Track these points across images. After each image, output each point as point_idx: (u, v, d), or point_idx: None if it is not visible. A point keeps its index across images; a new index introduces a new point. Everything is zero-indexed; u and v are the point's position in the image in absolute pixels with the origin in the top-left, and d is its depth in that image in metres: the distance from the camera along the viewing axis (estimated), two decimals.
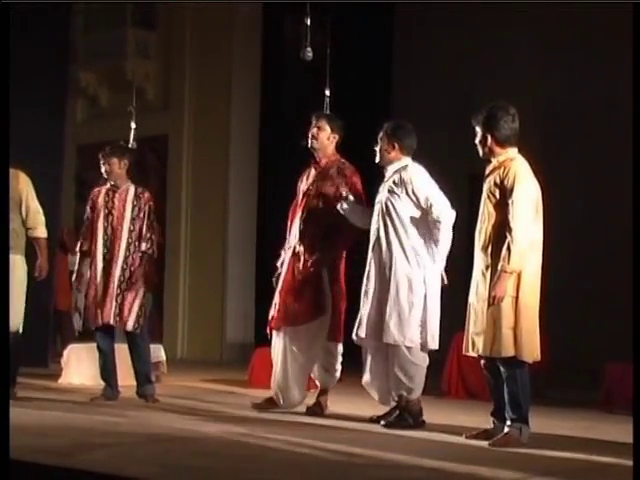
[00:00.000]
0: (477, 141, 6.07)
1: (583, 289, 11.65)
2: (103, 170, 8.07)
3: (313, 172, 7.43)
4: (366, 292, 6.80)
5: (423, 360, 6.70)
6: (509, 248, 5.72)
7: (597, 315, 11.45)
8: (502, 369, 5.85)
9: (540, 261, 5.90)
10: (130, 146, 9.51)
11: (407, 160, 6.87)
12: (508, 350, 5.78)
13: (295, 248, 7.26)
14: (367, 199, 7.25)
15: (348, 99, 10.80)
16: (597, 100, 11.83)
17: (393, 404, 6.76)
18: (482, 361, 6.03)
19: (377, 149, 6.93)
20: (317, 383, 7.51)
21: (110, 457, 5.18)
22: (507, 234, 5.75)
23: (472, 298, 5.99)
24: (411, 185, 6.68)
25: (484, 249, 5.91)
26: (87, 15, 15.05)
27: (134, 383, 8.12)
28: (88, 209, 8.10)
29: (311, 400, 7.42)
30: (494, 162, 6.00)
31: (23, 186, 7.95)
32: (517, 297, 5.78)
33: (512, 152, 6.00)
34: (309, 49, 8.34)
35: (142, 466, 4.86)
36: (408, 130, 6.93)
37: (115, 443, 5.70)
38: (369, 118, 13.53)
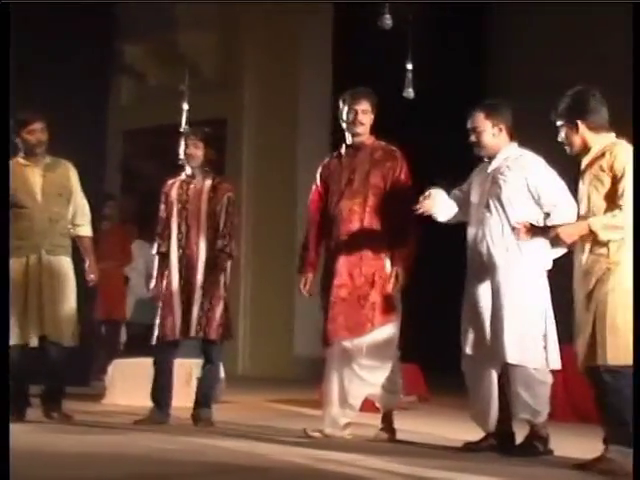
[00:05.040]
0: (562, 137, 6.05)
1: None
2: (187, 153, 7.97)
3: (348, 158, 7.27)
4: (474, 305, 6.60)
5: (549, 377, 6.55)
6: (611, 216, 5.71)
7: None
8: (605, 380, 5.74)
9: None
10: (182, 130, 9.56)
11: (517, 147, 6.70)
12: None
13: (350, 250, 7.14)
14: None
15: (431, 74, 10.71)
16: None
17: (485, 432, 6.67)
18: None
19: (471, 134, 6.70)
20: (378, 405, 7.35)
21: None
22: (616, 209, 5.72)
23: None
24: (533, 181, 6.51)
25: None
26: None
27: (185, 404, 8.13)
28: (162, 205, 8.03)
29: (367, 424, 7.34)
30: (593, 151, 5.95)
31: (74, 181, 8.04)
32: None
33: (611, 137, 5.99)
34: (388, 16, 8.26)
35: None
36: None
37: (175, 474, 5.69)
38: (457, 94, 13.64)
